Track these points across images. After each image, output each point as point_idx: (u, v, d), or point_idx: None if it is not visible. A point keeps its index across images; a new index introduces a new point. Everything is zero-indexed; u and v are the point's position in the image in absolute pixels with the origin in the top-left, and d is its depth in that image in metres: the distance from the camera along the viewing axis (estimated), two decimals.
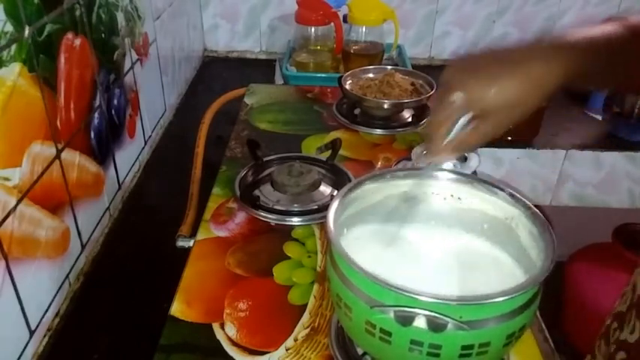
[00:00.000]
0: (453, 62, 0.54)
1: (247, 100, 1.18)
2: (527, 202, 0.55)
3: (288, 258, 0.74)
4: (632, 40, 0.51)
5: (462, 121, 0.52)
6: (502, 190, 0.57)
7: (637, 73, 0.54)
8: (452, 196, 0.60)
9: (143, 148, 1.06)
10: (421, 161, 0.57)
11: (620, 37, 0.51)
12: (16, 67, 0.61)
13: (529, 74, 0.49)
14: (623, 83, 0.63)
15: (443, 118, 0.53)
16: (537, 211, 0.53)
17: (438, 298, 0.43)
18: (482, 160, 0.81)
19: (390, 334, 0.47)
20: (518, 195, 0.56)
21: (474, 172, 0.78)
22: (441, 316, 0.44)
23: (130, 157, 1.00)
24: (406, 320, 0.45)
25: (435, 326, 0.44)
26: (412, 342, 0.46)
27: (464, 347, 0.46)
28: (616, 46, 0.51)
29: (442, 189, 0.61)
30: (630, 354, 0.62)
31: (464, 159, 0.74)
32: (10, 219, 0.60)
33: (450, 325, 0.44)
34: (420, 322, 0.45)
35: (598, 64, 0.51)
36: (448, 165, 0.64)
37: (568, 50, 0.50)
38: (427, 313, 0.44)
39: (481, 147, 0.55)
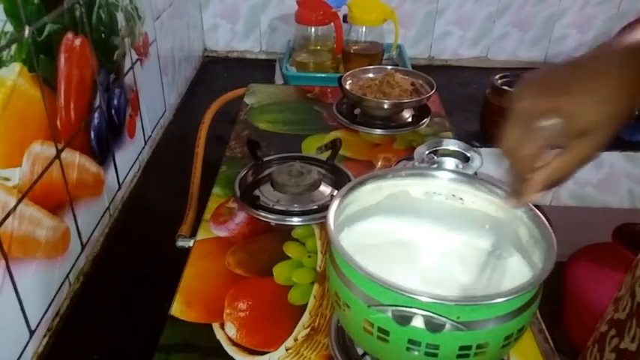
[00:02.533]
0: (525, 85, 0.48)
1: (247, 100, 1.18)
2: (529, 204, 0.54)
3: (288, 258, 0.74)
4: None
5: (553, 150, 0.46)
6: (504, 191, 0.56)
7: None
8: (454, 196, 0.60)
9: (143, 148, 1.06)
10: (510, 205, 0.52)
11: None
12: (16, 67, 0.61)
13: (621, 82, 0.45)
14: None
15: (534, 149, 0.47)
16: (539, 212, 0.53)
17: (435, 299, 0.43)
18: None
19: (387, 333, 0.47)
20: None
21: (475, 173, 0.78)
22: (438, 317, 0.44)
23: (130, 157, 1.00)
24: (404, 320, 0.45)
25: (433, 326, 0.44)
26: (410, 341, 0.46)
27: (461, 348, 0.46)
28: None
29: (444, 189, 0.61)
30: None
31: (466, 159, 0.74)
32: (10, 219, 0.60)
33: (447, 326, 0.44)
34: (418, 322, 0.45)
35: None
36: (450, 165, 0.63)
37: None
38: (424, 313, 0.44)
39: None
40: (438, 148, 0.68)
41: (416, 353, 0.46)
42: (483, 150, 0.82)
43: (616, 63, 0.46)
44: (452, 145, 0.67)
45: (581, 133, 0.46)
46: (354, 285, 0.48)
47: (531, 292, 0.47)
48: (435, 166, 0.63)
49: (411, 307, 0.44)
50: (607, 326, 0.68)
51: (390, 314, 0.45)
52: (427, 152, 0.66)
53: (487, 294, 0.45)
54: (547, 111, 0.46)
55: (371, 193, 0.59)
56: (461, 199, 0.60)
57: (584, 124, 0.45)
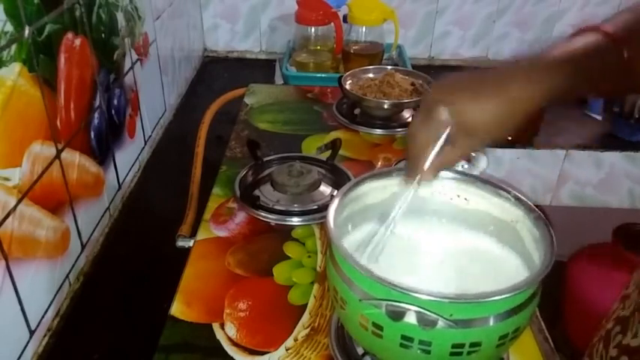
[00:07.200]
0: (436, 83, 0.56)
1: (247, 100, 1.18)
2: (532, 206, 0.54)
3: (288, 258, 0.74)
4: (611, 49, 0.51)
5: (442, 138, 0.52)
6: (508, 192, 0.56)
7: (617, 80, 0.54)
8: (458, 196, 0.60)
9: (143, 148, 1.06)
10: (404, 185, 0.56)
11: (598, 47, 0.51)
12: (16, 67, 0.61)
13: (510, 95, 0.50)
14: (603, 92, 0.66)
15: (428, 136, 0.53)
16: (541, 214, 0.53)
17: (428, 295, 0.43)
18: None
19: (381, 328, 0.47)
20: (523, 198, 0.56)
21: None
22: (431, 313, 0.44)
23: (130, 157, 0.99)
24: (397, 315, 0.45)
25: (425, 323, 0.44)
26: (403, 337, 0.46)
27: (454, 345, 0.46)
28: (596, 57, 0.51)
29: (449, 189, 0.60)
30: (632, 358, 0.61)
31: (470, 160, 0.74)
32: (10, 219, 0.60)
33: (440, 323, 0.44)
34: (411, 318, 0.45)
35: (579, 77, 0.51)
36: (456, 165, 0.63)
37: (548, 69, 0.51)
38: (417, 309, 0.44)
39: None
40: None
41: (409, 349, 0.47)
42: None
43: (515, 77, 0.51)
44: None
45: (466, 129, 0.51)
46: (351, 280, 0.48)
47: (527, 293, 0.47)
48: None
49: (404, 303, 0.44)
50: (612, 323, 0.69)
51: (383, 309, 0.45)
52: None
53: (481, 292, 0.45)
54: (442, 103, 0.52)
55: (374, 191, 0.59)
56: (465, 199, 0.60)
57: (468, 123, 0.51)
